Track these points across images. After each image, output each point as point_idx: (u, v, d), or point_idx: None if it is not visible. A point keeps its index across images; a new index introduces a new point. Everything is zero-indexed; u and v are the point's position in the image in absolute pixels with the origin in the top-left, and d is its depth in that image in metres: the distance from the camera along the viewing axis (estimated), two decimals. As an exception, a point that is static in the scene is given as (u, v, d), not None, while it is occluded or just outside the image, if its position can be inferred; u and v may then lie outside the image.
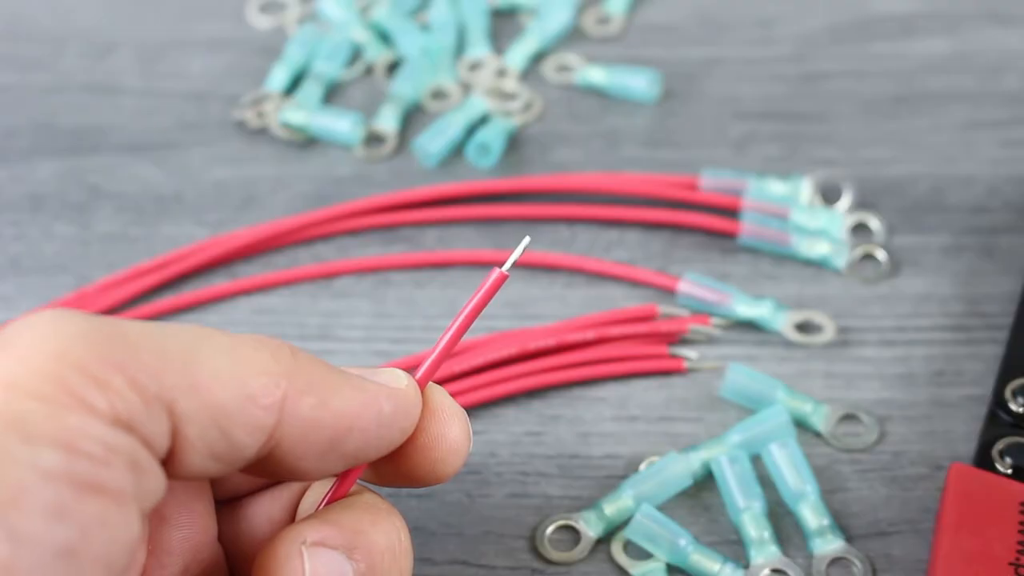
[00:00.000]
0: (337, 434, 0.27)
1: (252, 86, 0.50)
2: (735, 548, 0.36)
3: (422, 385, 0.29)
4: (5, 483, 0.21)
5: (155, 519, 0.28)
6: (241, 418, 0.25)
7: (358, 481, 0.30)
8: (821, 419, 0.39)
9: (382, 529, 0.28)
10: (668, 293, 0.42)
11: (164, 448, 0.25)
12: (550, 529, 0.36)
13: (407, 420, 0.28)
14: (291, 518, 0.31)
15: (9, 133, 0.49)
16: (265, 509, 0.31)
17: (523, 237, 0.30)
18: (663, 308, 0.41)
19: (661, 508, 0.36)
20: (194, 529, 0.29)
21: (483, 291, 0.29)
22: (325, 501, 0.29)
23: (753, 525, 0.36)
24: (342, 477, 0.29)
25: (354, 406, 0.27)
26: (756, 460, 0.37)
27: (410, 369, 0.30)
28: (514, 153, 0.47)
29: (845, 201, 0.44)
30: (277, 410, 0.26)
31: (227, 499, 0.31)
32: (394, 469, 0.29)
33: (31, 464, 0.22)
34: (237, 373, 0.26)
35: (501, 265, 0.30)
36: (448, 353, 0.30)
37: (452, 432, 0.29)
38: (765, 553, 0.35)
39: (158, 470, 0.24)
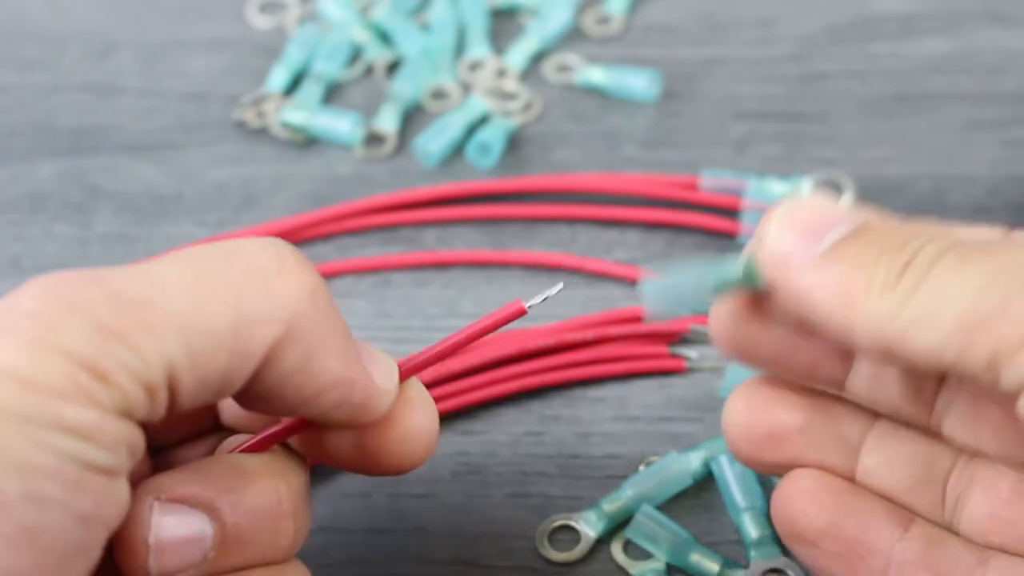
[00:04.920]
0: (301, 396, 0.27)
1: (252, 86, 0.50)
2: (735, 548, 0.36)
3: (402, 379, 0.29)
4: (32, 460, 0.23)
5: None
6: (233, 375, 0.26)
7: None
8: (821, 419, 0.39)
9: (258, 489, 0.28)
10: (668, 293, 0.42)
11: (159, 418, 0.26)
12: (550, 529, 0.36)
13: (366, 417, 0.28)
14: None
15: (9, 133, 0.49)
16: (195, 454, 0.31)
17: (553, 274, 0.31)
18: (663, 308, 0.41)
19: (661, 508, 0.36)
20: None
21: (495, 318, 0.30)
22: (239, 448, 0.29)
23: (753, 525, 0.36)
24: (268, 429, 0.29)
25: (328, 378, 0.27)
26: (756, 460, 0.37)
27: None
28: (514, 153, 0.47)
29: (845, 201, 0.44)
30: (264, 357, 0.26)
31: (161, 446, 0.31)
32: (358, 455, 0.29)
33: (54, 447, 0.24)
34: (241, 331, 0.26)
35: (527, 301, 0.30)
36: (437, 360, 0.30)
37: (424, 424, 0.29)
38: (765, 553, 0.35)
39: (143, 437, 0.26)
